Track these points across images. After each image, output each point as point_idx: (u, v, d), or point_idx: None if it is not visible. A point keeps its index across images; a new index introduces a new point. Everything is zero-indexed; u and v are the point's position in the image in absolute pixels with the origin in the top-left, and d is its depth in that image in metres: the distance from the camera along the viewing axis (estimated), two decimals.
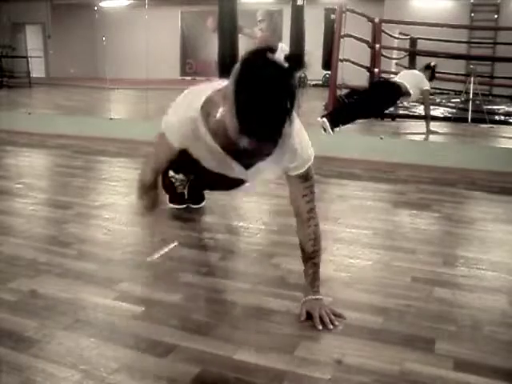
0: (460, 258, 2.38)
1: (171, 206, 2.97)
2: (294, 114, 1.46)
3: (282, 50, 1.36)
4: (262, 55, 1.37)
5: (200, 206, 3.00)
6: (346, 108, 5.90)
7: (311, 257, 1.84)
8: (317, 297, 1.81)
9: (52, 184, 3.81)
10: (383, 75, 7.54)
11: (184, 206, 2.96)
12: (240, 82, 1.37)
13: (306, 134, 1.79)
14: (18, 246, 2.40)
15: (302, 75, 12.80)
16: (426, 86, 5.71)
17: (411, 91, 5.55)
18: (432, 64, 5.96)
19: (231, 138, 1.44)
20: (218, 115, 1.52)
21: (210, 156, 1.84)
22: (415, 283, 2.08)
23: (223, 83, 1.57)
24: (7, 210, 3.00)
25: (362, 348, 1.61)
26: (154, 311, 1.83)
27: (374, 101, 5.55)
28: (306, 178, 1.79)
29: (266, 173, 1.90)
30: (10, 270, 2.14)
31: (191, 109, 1.68)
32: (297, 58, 1.40)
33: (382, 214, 3.09)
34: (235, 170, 1.87)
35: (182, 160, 1.95)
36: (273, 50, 1.37)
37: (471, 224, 2.87)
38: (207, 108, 1.65)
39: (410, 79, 5.65)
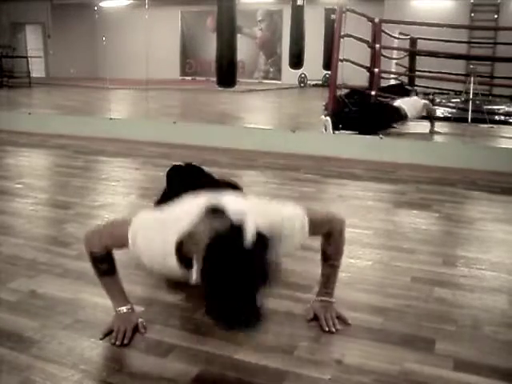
0: (460, 258, 2.38)
1: None
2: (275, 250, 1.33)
3: (249, 227, 1.26)
4: (228, 241, 1.26)
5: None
6: (350, 118, 5.98)
7: (331, 258, 1.80)
8: (325, 298, 1.80)
9: (52, 184, 3.81)
10: (383, 75, 7.54)
11: None
12: (208, 267, 1.27)
13: (291, 219, 1.60)
14: (18, 246, 2.40)
15: (302, 74, 12.81)
16: (424, 100, 5.99)
17: (408, 114, 5.84)
18: (431, 96, 6.34)
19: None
20: (193, 273, 1.37)
21: (166, 270, 1.65)
22: (415, 283, 2.08)
23: (186, 222, 1.44)
24: (7, 210, 3.00)
25: (362, 348, 1.61)
26: (154, 311, 1.83)
27: (377, 119, 5.77)
28: (314, 227, 1.66)
29: None
30: (10, 269, 2.14)
31: (165, 245, 1.49)
32: (264, 236, 1.29)
33: (382, 214, 3.09)
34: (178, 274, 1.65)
35: None
36: (240, 230, 1.27)
37: (471, 224, 2.87)
38: (182, 250, 1.47)
39: (409, 105, 5.95)
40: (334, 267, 1.81)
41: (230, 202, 1.47)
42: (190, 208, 1.50)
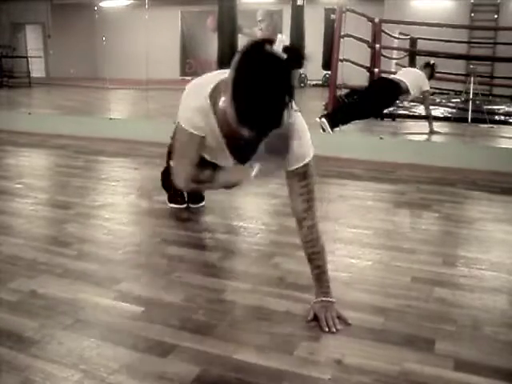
0: (460, 258, 2.38)
1: (171, 205, 2.97)
2: (297, 112, 1.47)
3: (281, 41, 1.39)
4: (260, 47, 1.40)
5: (200, 205, 3.00)
6: (346, 107, 5.90)
7: (311, 258, 1.82)
8: (324, 298, 1.80)
9: (52, 184, 3.81)
10: (383, 75, 7.54)
11: (184, 205, 2.96)
12: (238, 73, 1.40)
13: (308, 134, 1.79)
14: (18, 246, 2.40)
15: (302, 74, 12.81)
16: (426, 86, 5.72)
17: (411, 90, 5.54)
18: (431, 62, 5.96)
19: (232, 126, 1.47)
20: (221, 104, 1.55)
21: (215, 145, 1.87)
22: (415, 283, 2.08)
23: (227, 72, 1.59)
24: (7, 210, 3.00)
25: (362, 348, 1.61)
26: (154, 311, 1.83)
27: (374, 99, 5.54)
28: (303, 175, 1.76)
29: (264, 169, 1.89)
30: (10, 269, 2.14)
31: (200, 98, 1.73)
32: (295, 50, 1.42)
33: (382, 214, 3.09)
34: (231, 163, 1.93)
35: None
36: (271, 42, 1.40)
37: (471, 224, 2.87)
38: (214, 97, 1.69)
39: (411, 78, 5.64)
40: (319, 267, 1.81)
41: None
42: (217, 73, 1.72)
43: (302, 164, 1.75)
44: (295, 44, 9.18)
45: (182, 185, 1.90)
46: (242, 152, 1.82)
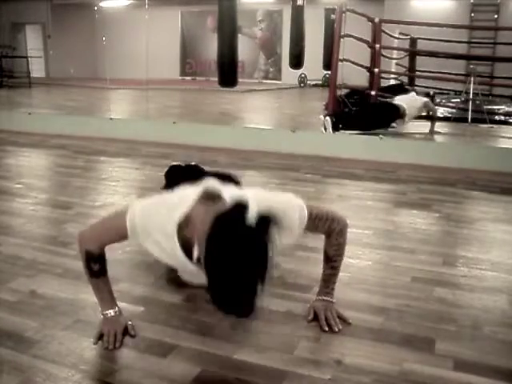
0: (460, 257, 2.38)
1: None
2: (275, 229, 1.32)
3: (253, 208, 1.27)
4: (233, 221, 1.27)
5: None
6: (350, 117, 5.99)
7: (331, 259, 1.80)
8: (326, 298, 1.80)
9: (52, 184, 3.81)
10: (383, 75, 7.54)
11: None
12: (213, 248, 1.27)
13: (292, 214, 1.59)
14: (18, 246, 2.40)
15: (302, 74, 12.81)
16: (425, 99, 5.94)
17: (407, 112, 5.79)
18: (431, 93, 6.25)
19: None
20: (195, 254, 1.41)
21: (176, 264, 1.70)
22: (415, 283, 2.08)
23: (185, 198, 1.47)
24: (7, 210, 3.00)
25: (362, 348, 1.61)
26: (154, 311, 1.83)
27: (377, 117, 5.77)
28: (313, 222, 1.67)
29: None
30: (9, 269, 2.14)
31: (168, 224, 1.49)
32: (267, 216, 1.29)
33: (382, 214, 3.09)
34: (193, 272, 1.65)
35: None
36: (244, 209, 1.28)
37: (471, 224, 2.87)
38: (182, 231, 1.48)
39: (409, 103, 5.89)
40: (334, 268, 1.81)
41: (228, 188, 1.50)
42: (187, 193, 1.51)
43: (305, 222, 1.64)
44: (294, 51, 9.12)
45: (91, 248, 1.62)
46: None
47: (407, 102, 5.90)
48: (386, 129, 5.72)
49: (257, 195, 1.48)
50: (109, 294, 1.70)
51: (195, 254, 1.40)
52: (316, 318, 1.76)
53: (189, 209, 1.45)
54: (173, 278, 2.09)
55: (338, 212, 1.79)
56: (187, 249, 1.48)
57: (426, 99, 5.97)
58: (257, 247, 1.25)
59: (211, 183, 1.53)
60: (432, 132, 5.85)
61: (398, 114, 5.75)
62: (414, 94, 6.30)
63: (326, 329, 1.70)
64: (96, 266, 1.63)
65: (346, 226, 1.77)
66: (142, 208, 1.56)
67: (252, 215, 1.26)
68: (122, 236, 1.57)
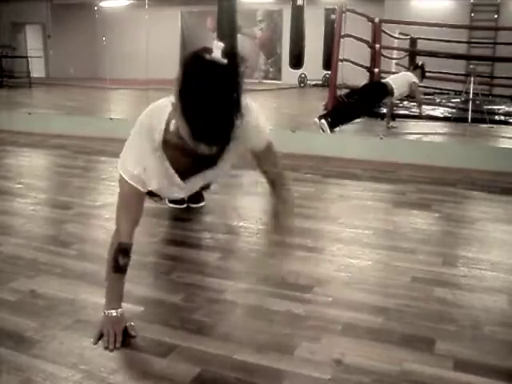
0: (460, 257, 2.38)
1: (171, 205, 2.97)
2: (244, 97, 1.42)
3: (217, 47, 1.35)
4: (199, 57, 1.37)
5: (200, 205, 3.00)
6: (342, 108, 5.99)
7: (276, 184, 1.98)
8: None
9: (52, 184, 3.81)
10: (383, 75, 7.55)
11: (184, 206, 2.96)
12: (183, 91, 1.36)
13: (257, 110, 1.80)
14: (18, 246, 2.40)
15: (302, 74, 12.81)
16: (413, 79, 5.87)
17: (395, 90, 5.75)
18: (420, 63, 6.15)
19: (186, 144, 1.42)
20: (172, 128, 1.50)
21: (162, 178, 1.77)
22: (415, 283, 2.08)
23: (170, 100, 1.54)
24: (7, 209, 3.00)
25: (362, 348, 1.61)
26: (154, 311, 1.83)
27: (364, 98, 5.75)
28: (268, 149, 1.92)
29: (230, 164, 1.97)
30: (10, 269, 2.14)
31: (152, 134, 1.64)
32: (233, 51, 1.40)
33: (382, 214, 3.09)
34: (181, 186, 1.86)
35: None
36: (208, 49, 1.37)
37: (471, 224, 2.87)
38: (167, 128, 1.60)
39: (397, 80, 5.88)
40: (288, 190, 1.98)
41: None
42: (158, 108, 1.71)
43: (265, 143, 1.90)
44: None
45: (124, 239, 1.67)
46: (206, 161, 1.71)
47: (394, 79, 5.89)
48: (377, 107, 5.69)
49: None
50: (119, 293, 1.72)
51: (172, 126, 1.50)
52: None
53: (165, 120, 1.58)
54: (173, 279, 2.09)
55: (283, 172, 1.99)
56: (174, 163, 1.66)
57: (412, 80, 5.87)
58: (228, 77, 1.35)
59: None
60: (420, 115, 5.88)
61: (385, 90, 5.72)
62: (404, 72, 6.26)
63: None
64: (124, 259, 1.68)
65: (271, 143, 1.95)
66: (125, 156, 1.72)
67: (218, 53, 1.36)
68: (139, 196, 1.69)
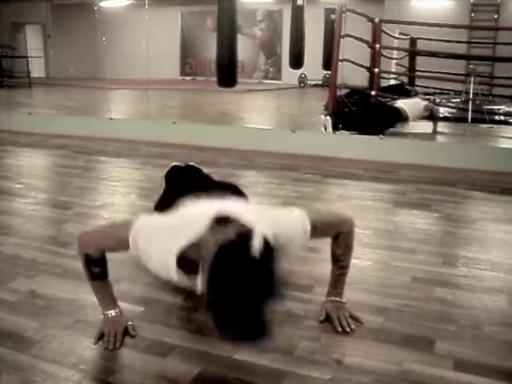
0: (460, 257, 2.38)
1: None
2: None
3: (258, 235, 1.25)
4: (237, 250, 1.24)
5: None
6: (351, 118, 5.99)
7: (338, 259, 1.81)
8: (337, 299, 1.80)
9: (52, 184, 3.81)
10: (383, 75, 7.54)
11: None
12: (215, 276, 1.25)
13: (287, 220, 1.59)
14: (18, 246, 2.40)
15: (302, 74, 12.81)
16: (425, 102, 5.95)
17: (409, 115, 5.80)
18: (432, 98, 6.30)
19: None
20: (198, 282, 1.35)
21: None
22: (415, 283, 2.08)
23: (187, 222, 1.44)
24: (7, 209, 3.00)
25: (362, 348, 1.61)
26: (154, 311, 1.83)
27: (378, 120, 5.76)
28: (315, 229, 1.63)
29: None
30: (10, 269, 2.14)
31: (168, 257, 1.45)
32: (271, 246, 1.27)
33: (382, 214, 3.09)
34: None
35: None
36: (249, 236, 1.25)
37: (471, 224, 2.87)
38: (186, 257, 1.43)
39: (410, 104, 5.92)
40: (343, 268, 1.81)
41: (235, 210, 1.43)
42: (194, 216, 1.46)
43: (308, 236, 1.62)
44: (294, 52, 9.10)
45: (91, 253, 1.65)
46: None
47: (409, 105, 5.92)
48: (386, 131, 5.72)
49: (261, 214, 1.47)
50: (110, 295, 1.70)
51: (198, 282, 1.35)
52: (328, 318, 1.76)
53: (195, 236, 1.38)
54: None
55: (344, 213, 1.79)
56: (188, 268, 1.43)
57: (426, 102, 6.00)
58: (261, 277, 1.22)
59: (218, 203, 1.49)
60: (435, 132, 5.89)
61: (399, 117, 5.76)
62: (417, 99, 6.34)
63: (340, 329, 1.70)
64: (96, 269, 1.63)
65: (353, 226, 1.79)
66: (147, 229, 1.52)
67: (257, 246, 1.23)
68: (123, 248, 1.55)
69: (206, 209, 1.44)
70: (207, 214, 1.39)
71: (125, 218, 1.62)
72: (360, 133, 5.29)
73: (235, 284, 1.21)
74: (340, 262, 1.81)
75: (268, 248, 1.26)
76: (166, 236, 1.47)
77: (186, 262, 1.42)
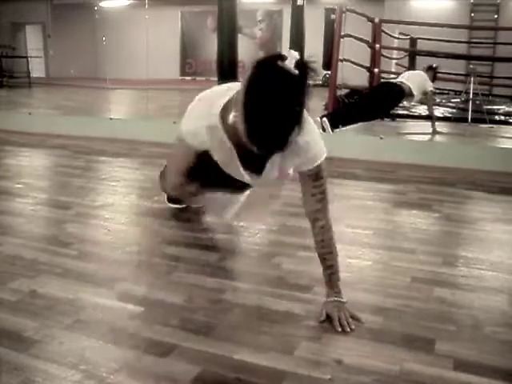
0: (460, 257, 2.38)
1: (171, 205, 2.97)
2: (305, 113, 1.45)
3: (292, 56, 1.36)
4: (272, 63, 1.38)
5: (200, 205, 3.00)
6: (348, 109, 5.92)
7: (323, 258, 1.83)
8: (337, 299, 1.80)
9: (52, 184, 3.81)
10: (383, 75, 7.54)
11: (184, 205, 2.96)
12: (249, 91, 1.38)
13: (318, 133, 1.82)
14: (18, 246, 2.40)
15: None
16: (430, 87, 5.75)
17: (415, 92, 5.56)
18: (434, 65, 6.00)
19: (242, 140, 1.46)
20: (231, 118, 1.53)
21: (225, 157, 1.85)
22: (415, 283, 2.08)
23: (234, 85, 1.58)
24: (7, 210, 3.00)
25: (362, 348, 1.61)
26: (154, 311, 1.83)
27: (378, 102, 5.57)
28: (316, 176, 1.80)
29: (276, 175, 1.88)
30: (10, 269, 2.14)
31: (208, 116, 1.70)
32: (307, 63, 1.39)
33: (382, 214, 3.09)
34: (244, 176, 1.90)
35: (199, 163, 1.95)
36: (283, 57, 1.37)
37: (471, 224, 2.87)
38: (224, 114, 1.66)
39: (414, 80, 5.66)
40: (331, 267, 1.82)
41: None
42: (224, 88, 1.69)
43: (315, 165, 1.80)
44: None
45: (172, 191, 1.89)
46: (253, 163, 1.79)
47: (412, 78, 5.64)
48: (392, 111, 5.52)
49: None
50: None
51: (231, 117, 1.50)
52: (328, 318, 1.76)
53: (228, 97, 1.61)
54: (173, 279, 2.09)
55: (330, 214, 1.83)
56: (234, 142, 1.65)
57: (429, 88, 5.71)
58: (295, 90, 1.34)
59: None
60: (434, 132, 5.84)
61: (403, 92, 5.50)
62: (418, 71, 6.01)
63: (340, 329, 1.70)
64: (192, 187, 1.73)
65: (328, 225, 1.81)
66: (190, 120, 1.76)
67: (291, 63, 1.35)
68: (189, 154, 1.78)
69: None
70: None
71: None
72: (363, 121, 5.24)
73: (270, 93, 1.33)
74: (326, 261, 1.82)
75: (304, 67, 1.37)
76: (203, 107, 1.73)
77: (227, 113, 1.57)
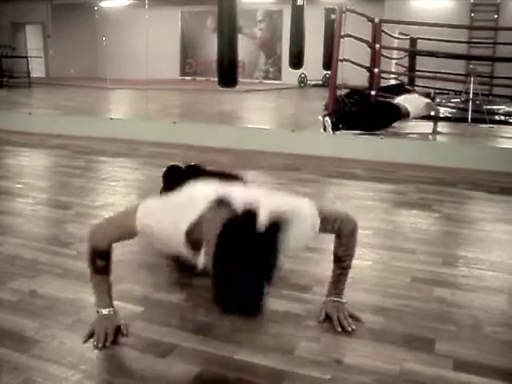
0: (460, 257, 2.38)
1: None
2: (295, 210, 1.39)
3: (263, 214, 1.26)
4: (244, 226, 1.26)
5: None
6: (351, 118, 5.98)
7: (341, 259, 1.80)
8: (336, 299, 1.80)
9: (52, 184, 3.81)
10: (383, 75, 7.54)
11: None
12: (220, 251, 1.27)
13: (303, 211, 1.57)
14: (18, 246, 2.40)
15: (302, 74, 12.81)
16: (427, 100, 5.93)
17: (411, 112, 5.77)
18: (431, 94, 6.31)
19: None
20: (201, 258, 1.40)
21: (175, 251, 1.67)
22: (415, 283, 2.08)
23: (195, 197, 1.48)
24: (7, 210, 3.00)
25: (362, 348, 1.61)
26: (154, 311, 1.83)
27: (376, 118, 5.73)
28: (326, 221, 1.65)
29: None
30: (10, 269, 2.14)
31: (175, 231, 1.49)
32: (276, 223, 1.28)
33: (382, 214, 3.09)
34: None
35: None
36: (254, 215, 1.26)
37: (471, 224, 2.87)
38: (190, 235, 1.48)
39: (411, 102, 5.89)
40: (344, 268, 1.81)
41: (239, 192, 1.46)
42: (197, 195, 1.50)
43: (316, 229, 1.63)
44: (295, 52, 9.08)
45: (89, 246, 1.68)
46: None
47: (410, 102, 5.88)
48: (387, 129, 5.70)
49: (267, 200, 1.44)
50: (107, 293, 1.70)
51: (201, 259, 1.39)
52: (328, 318, 1.76)
53: (199, 215, 1.43)
54: (173, 279, 2.09)
55: (348, 213, 1.78)
56: (194, 248, 1.47)
57: (428, 100, 5.96)
58: (265, 253, 1.24)
59: (222, 189, 1.50)
60: (435, 132, 5.87)
61: (399, 114, 5.72)
62: (416, 95, 6.30)
63: (340, 329, 1.70)
64: (101, 262, 1.65)
65: (356, 226, 1.76)
66: (152, 210, 1.55)
67: (262, 222, 1.25)
68: (131, 234, 1.59)
69: (210, 190, 1.49)
70: (209, 195, 1.44)
71: (128, 206, 1.64)
72: (361, 131, 5.29)
73: (239, 258, 1.22)
74: (342, 263, 1.80)
75: (273, 224, 1.27)
76: (174, 212, 1.50)
77: (192, 237, 1.46)
